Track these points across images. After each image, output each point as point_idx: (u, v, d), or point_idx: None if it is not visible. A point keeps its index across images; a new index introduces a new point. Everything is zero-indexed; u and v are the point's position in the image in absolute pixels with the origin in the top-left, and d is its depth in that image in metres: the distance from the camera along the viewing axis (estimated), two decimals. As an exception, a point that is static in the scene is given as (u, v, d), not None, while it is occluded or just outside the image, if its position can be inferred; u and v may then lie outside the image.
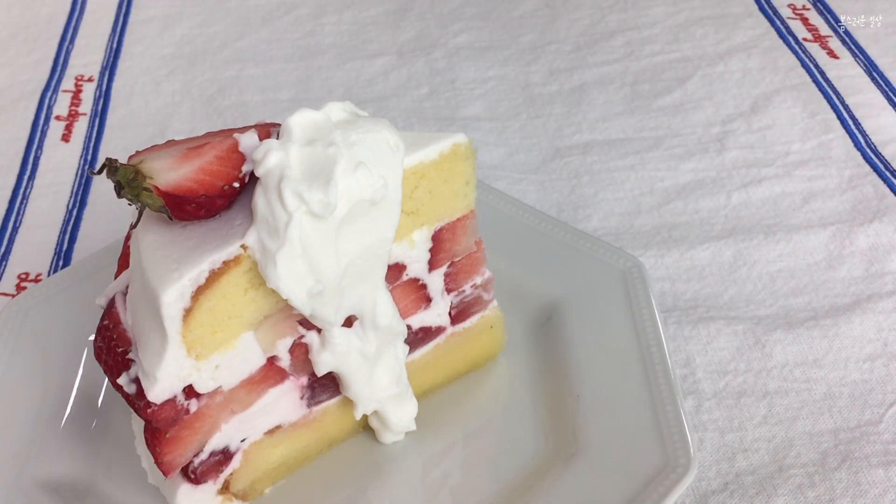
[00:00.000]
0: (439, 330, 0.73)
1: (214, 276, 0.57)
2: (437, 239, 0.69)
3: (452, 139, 0.66)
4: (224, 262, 0.57)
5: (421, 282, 0.69)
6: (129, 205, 0.58)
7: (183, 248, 0.58)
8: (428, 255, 0.69)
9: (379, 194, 0.60)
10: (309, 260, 0.58)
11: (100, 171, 0.57)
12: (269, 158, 0.57)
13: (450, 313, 0.73)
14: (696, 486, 0.69)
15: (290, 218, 0.56)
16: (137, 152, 0.58)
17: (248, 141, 0.59)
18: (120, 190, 0.57)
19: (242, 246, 0.58)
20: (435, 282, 0.70)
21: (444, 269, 0.70)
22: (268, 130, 0.61)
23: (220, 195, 0.58)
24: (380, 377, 0.68)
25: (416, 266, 0.68)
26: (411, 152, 0.64)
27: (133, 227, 0.60)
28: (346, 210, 0.58)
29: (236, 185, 0.58)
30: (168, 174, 0.57)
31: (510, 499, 0.66)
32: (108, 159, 0.57)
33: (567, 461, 0.67)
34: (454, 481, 0.69)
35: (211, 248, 0.57)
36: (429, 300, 0.71)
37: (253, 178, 0.59)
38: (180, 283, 0.56)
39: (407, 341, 0.70)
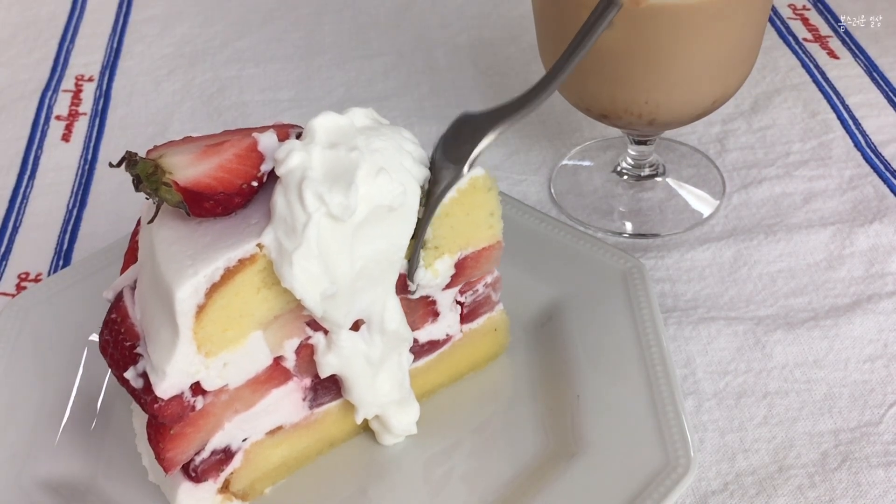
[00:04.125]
0: (447, 340, 0.73)
1: (229, 274, 0.57)
2: (460, 266, 0.69)
3: (469, 175, 0.66)
4: (239, 260, 0.58)
5: (431, 298, 0.69)
6: (146, 199, 0.59)
7: (198, 244, 0.58)
8: (447, 280, 0.69)
9: (398, 201, 0.60)
10: (324, 261, 0.58)
11: (119, 164, 0.57)
12: (292, 158, 0.57)
13: (461, 313, 0.73)
14: (696, 486, 0.69)
15: (308, 218, 0.56)
16: (156, 147, 0.59)
17: (267, 141, 0.59)
18: (138, 184, 0.57)
19: (258, 245, 0.58)
20: (446, 297, 0.70)
21: (457, 288, 0.71)
22: (286, 131, 0.61)
23: (238, 193, 0.58)
24: (382, 383, 0.68)
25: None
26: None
27: (150, 221, 0.60)
28: (365, 214, 0.59)
29: (254, 183, 0.59)
30: (187, 170, 0.57)
31: (510, 499, 0.66)
32: (127, 152, 0.57)
33: (567, 461, 0.67)
34: (454, 481, 0.69)
35: (227, 246, 0.57)
36: (436, 314, 0.71)
37: (270, 178, 0.59)
38: (195, 280, 0.56)
39: (412, 351, 0.70)
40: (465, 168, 0.64)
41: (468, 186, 0.67)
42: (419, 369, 0.72)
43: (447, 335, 0.73)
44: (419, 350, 0.71)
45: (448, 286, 0.70)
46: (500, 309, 0.75)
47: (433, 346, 0.72)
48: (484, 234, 0.69)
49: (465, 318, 0.73)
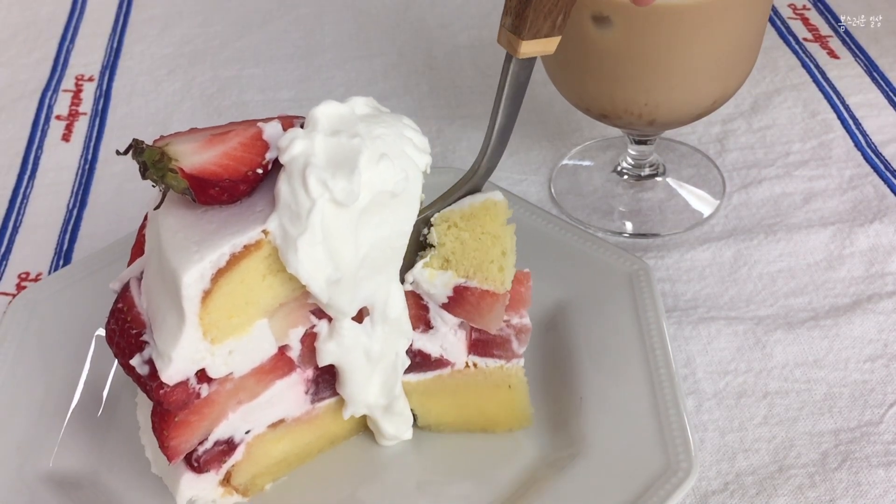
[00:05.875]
0: (443, 361, 0.70)
1: (235, 260, 0.58)
2: (458, 294, 0.66)
3: (486, 195, 0.68)
4: (245, 247, 0.58)
5: (423, 301, 0.68)
6: (153, 186, 0.59)
7: (204, 231, 0.59)
8: (445, 300, 0.67)
9: (400, 187, 0.61)
10: (329, 247, 0.59)
11: (126, 152, 0.58)
12: (295, 146, 0.58)
13: (469, 339, 0.69)
14: (696, 486, 0.69)
15: (312, 204, 0.57)
16: (162, 136, 0.59)
17: (271, 130, 0.60)
18: (145, 171, 0.58)
19: (264, 231, 0.58)
20: (444, 317, 0.68)
21: (456, 321, 0.69)
22: (291, 122, 0.62)
23: (243, 180, 0.59)
24: (373, 383, 0.68)
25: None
26: (442, 199, 0.68)
27: (156, 208, 0.61)
28: (368, 200, 0.59)
29: (259, 171, 0.60)
30: (193, 157, 0.58)
31: (511, 499, 0.66)
32: (134, 140, 0.58)
33: (568, 463, 0.67)
34: (455, 481, 0.69)
35: (232, 233, 0.58)
36: (428, 324, 0.69)
37: (275, 167, 0.60)
38: (201, 265, 0.57)
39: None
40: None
41: (480, 205, 0.67)
42: (419, 386, 0.71)
43: (442, 356, 0.70)
44: (412, 360, 0.70)
45: (445, 307, 0.67)
46: (518, 364, 0.69)
47: (425, 360, 0.70)
48: (490, 274, 0.65)
49: (473, 347, 0.69)
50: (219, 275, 0.58)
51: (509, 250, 0.67)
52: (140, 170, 0.58)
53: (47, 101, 1.11)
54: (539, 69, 1.09)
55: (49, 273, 0.90)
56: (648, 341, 0.71)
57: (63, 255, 0.92)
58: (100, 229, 0.94)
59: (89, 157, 1.03)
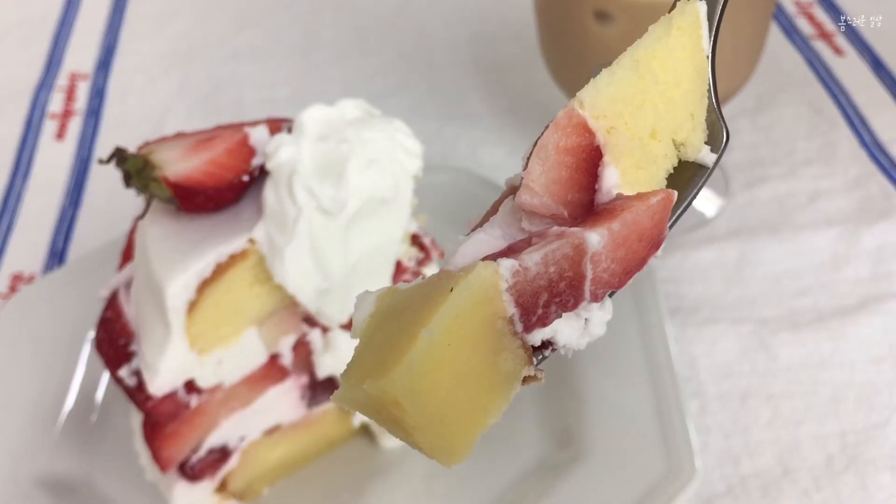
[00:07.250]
0: None
1: (220, 270, 0.57)
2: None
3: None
4: (230, 256, 0.57)
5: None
6: (137, 195, 0.58)
7: (189, 240, 0.58)
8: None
9: (390, 193, 0.60)
10: (317, 256, 0.58)
11: (109, 161, 0.57)
12: (281, 152, 0.57)
13: None
14: (700, 489, 0.68)
15: (299, 213, 0.56)
16: (147, 143, 0.58)
17: (258, 135, 0.59)
18: (128, 180, 0.57)
19: (250, 240, 0.57)
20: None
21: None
22: (278, 125, 0.61)
23: (229, 188, 0.58)
24: None
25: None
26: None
27: (140, 217, 0.60)
28: (357, 207, 0.58)
29: (246, 178, 0.59)
30: (177, 165, 0.57)
31: (512, 503, 0.66)
32: (117, 148, 0.57)
33: (570, 466, 0.66)
34: (455, 485, 0.68)
35: (217, 242, 0.57)
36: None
37: (262, 173, 0.59)
38: (185, 276, 0.56)
39: None
40: None
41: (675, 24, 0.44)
42: None
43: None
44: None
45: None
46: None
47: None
48: (677, 97, 0.42)
49: None
50: (204, 285, 0.57)
51: (702, 68, 0.44)
52: (123, 179, 0.57)
53: (41, 99, 1.10)
54: (541, 69, 1.08)
55: (42, 273, 0.89)
56: (651, 343, 0.71)
57: (56, 256, 0.91)
58: (94, 229, 0.94)
59: (83, 156, 1.02)
